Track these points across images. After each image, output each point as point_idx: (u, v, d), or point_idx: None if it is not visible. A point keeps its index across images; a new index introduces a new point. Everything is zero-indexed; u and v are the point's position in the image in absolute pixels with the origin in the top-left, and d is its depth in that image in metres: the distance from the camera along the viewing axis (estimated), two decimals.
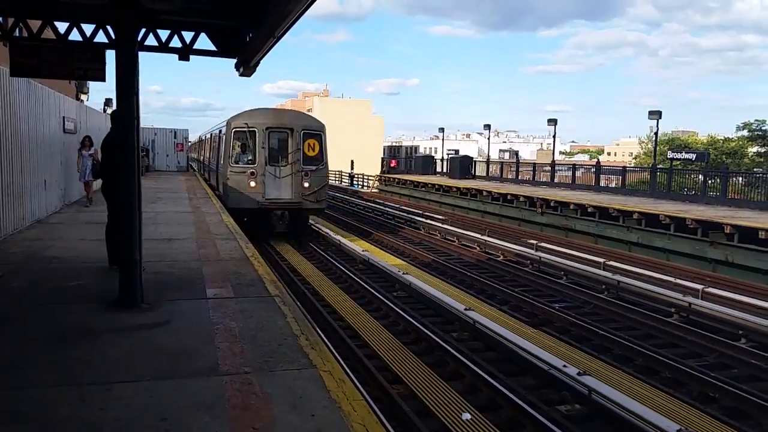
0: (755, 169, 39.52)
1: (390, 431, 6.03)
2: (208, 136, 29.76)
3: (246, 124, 19.21)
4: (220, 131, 21.75)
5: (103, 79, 8.10)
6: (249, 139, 19.16)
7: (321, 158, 19.86)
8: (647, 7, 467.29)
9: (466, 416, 7.01)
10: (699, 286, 13.09)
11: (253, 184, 18.84)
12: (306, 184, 19.27)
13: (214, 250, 10.87)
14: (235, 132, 19.36)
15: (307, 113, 21.93)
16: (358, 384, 6.79)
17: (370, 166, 57.04)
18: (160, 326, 6.32)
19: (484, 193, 30.66)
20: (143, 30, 7.82)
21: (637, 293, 13.45)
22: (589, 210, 23.19)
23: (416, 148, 67.38)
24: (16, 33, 8.56)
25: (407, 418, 7.03)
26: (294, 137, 19.34)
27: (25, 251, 9.97)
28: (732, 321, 11.20)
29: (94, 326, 6.20)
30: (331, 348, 8.18)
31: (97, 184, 17.15)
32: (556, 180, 33.40)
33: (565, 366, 8.20)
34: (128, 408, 4.35)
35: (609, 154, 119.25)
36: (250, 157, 19.22)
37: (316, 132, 19.96)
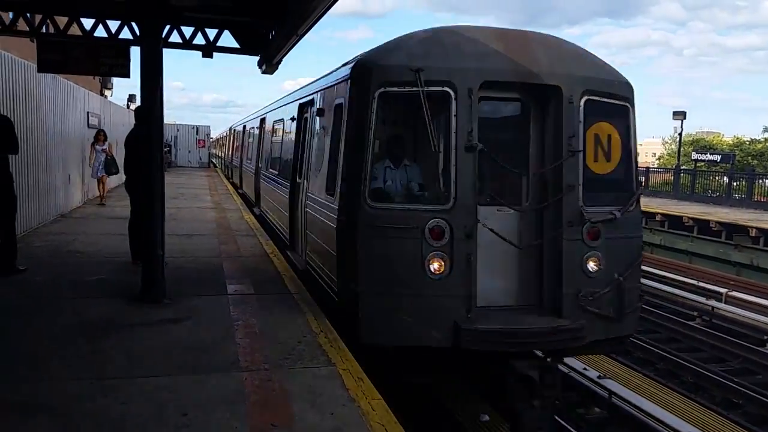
0: None
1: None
2: (255, 125, 17.00)
3: (416, 72, 5.83)
4: (311, 104, 8.96)
5: (127, 75, 8.20)
6: (427, 120, 5.81)
7: (629, 176, 6.71)
8: (672, 5, 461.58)
9: (485, 418, 6.98)
10: (723, 290, 12.90)
11: (436, 266, 5.86)
12: (592, 265, 6.18)
13: (235, 246, 10.93)
14: (382, 96, 6.05)
15: (584, 49, 6.68)
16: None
17: None
18: (182, 321, 6.36)
19: None
20: (167, 27, 7.88)
21: (659, 296, 13.28)
22: None
23: None
24: (44, 29, 8.69)
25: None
26: (560, 113, 6.21)
27: (49, 245, 10.11)
28: (756, 326, 11.02)
29: (117, 320, 6.27)
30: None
31: (113, 180, 17.28)
32: None
33: (585, 369, 8.13)
34: (150, 403, 4.38)
35: None
36: (418, 181, 6.49)
37: (617, 101, 6.56)
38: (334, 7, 6.32)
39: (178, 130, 39.84)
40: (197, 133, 40.74)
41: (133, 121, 8.99)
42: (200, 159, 40.73)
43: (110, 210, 14.95)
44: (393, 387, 4.67)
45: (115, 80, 36.72)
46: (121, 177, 17.10)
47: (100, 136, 15.86)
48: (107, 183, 16.99)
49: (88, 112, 16.34)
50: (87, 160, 16.10)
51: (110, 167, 15.77)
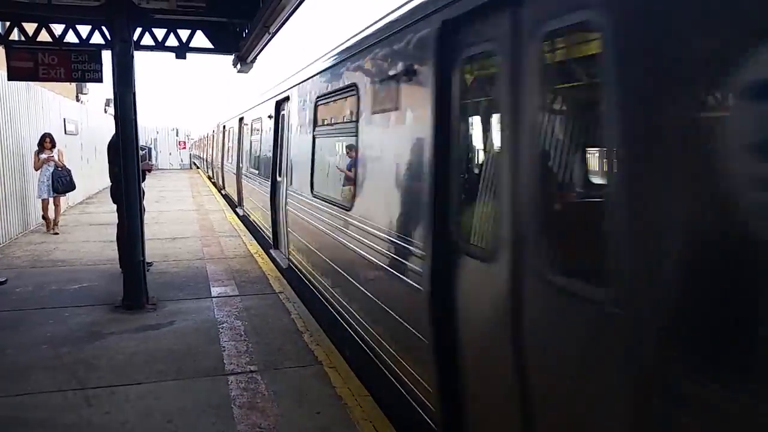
0: None
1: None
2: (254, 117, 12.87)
3: None
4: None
5: (100, 80, 8.07)
6: None
7: None
8: None
9: None
10: None
11: None
12: None
13: (218, 248, 10.86)
14: None
15: None
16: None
17: None
18: (165, 327, 6.32)
19: None
20: (139, 30, 7.78)
21: None
22: None
23: None
24: (13, 36, 8.54)
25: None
26: None
27: (30, 255, 9.99)
28: None
29: (100, 329, 6.21)
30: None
31: (68, 199, 15.12)
32: None
33: None
34: (134, 411, 4.34)
35: None
36: None
37: None
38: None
39: (157, 132, 39.52)
40: (177, 135, 40.46)
41: (112, 127, 8.90)
42: (182, 161, 40.48)
43: (91, 216, 14.80)
44: (382, 383, 4.67)
45: (92, 85, 36.41)
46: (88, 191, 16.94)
47: (46, 141, 12.18)
48: (60, 205, 13.04)
49: (64, 119, 16.14)
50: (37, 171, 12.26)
51: (58, 184, 12.16)
